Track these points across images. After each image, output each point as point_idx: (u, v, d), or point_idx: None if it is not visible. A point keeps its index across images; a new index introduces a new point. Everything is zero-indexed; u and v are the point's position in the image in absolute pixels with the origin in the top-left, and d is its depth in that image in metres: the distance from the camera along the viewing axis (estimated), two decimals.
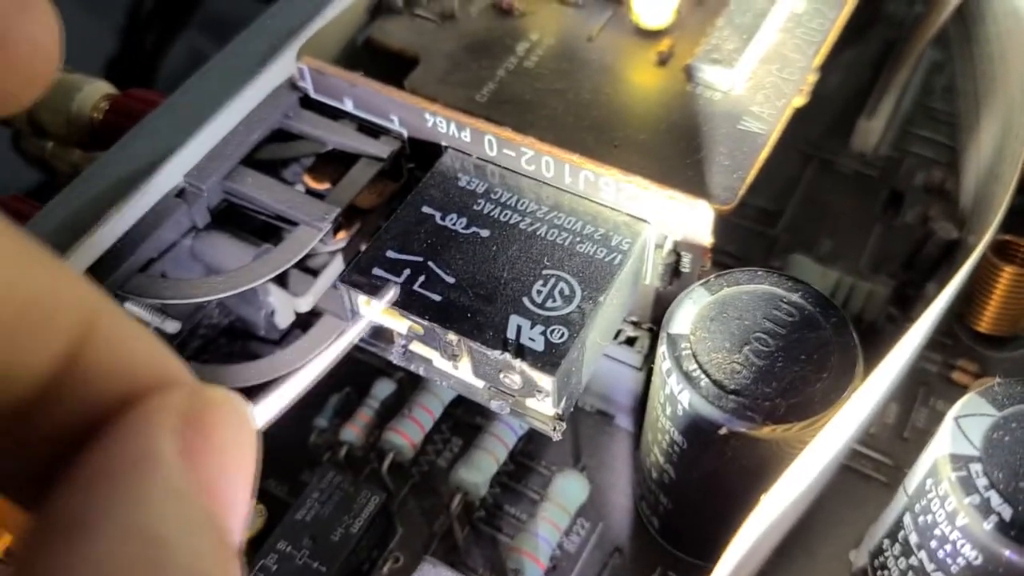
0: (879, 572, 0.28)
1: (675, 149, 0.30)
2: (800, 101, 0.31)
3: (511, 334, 0.26)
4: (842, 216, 0.38)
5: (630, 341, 0.31)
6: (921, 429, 0.33)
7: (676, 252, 0.28)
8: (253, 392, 0.30)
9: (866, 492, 0.32)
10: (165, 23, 0.61)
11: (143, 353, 0.14)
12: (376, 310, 0.28)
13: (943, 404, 0.33)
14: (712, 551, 0.31)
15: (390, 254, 0.28)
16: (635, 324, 0.31)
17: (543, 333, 0.26)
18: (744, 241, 0.37)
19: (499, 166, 0.30)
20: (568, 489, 0.29)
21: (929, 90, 0.42)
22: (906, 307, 0.35)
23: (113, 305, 0.14)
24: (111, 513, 0.12)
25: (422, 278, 0.27)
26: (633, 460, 0.32)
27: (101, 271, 0.28)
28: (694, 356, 0.25)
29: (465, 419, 0.33)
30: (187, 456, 0.13)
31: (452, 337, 0.26)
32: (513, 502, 0.32)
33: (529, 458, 0.33)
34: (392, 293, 0.26)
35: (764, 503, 0.23)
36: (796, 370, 0.25)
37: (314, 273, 0.31)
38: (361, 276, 0.27)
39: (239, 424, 0.15)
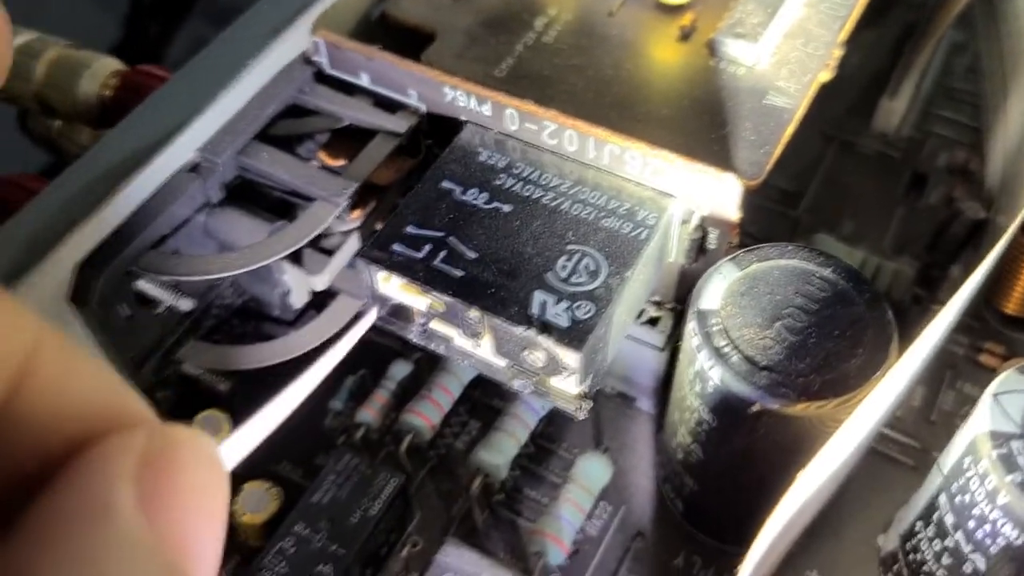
0: (911, 555, 0.27)
1: (699, 124, 0.29)
2: (826, 76, 0.31)
3: (535, 310, 0.25)
4: (864, 197, 0.37)
5: (652, 321, 0.31)
6: (948, 411, 0.32)
7: (702, 228, 0.28)
8: (267, 373, 0.30)
9: (893, 475, 0.31)
10: (169, 10, 0.60)
11: (95, 390, 0.13)
12: (395, 286, 0.27)
13: (970, 387, 0.33)
14: (738, 534, 0.30)
15: (410, 229, 0.27)
16: (658, 304, 0.31)
17: (568, 309, 0.25)
18: (766, 222, 0.37)
19: (520, 140, 0.29)
20: (592, 471, 0.29)
21: (950, 70, 0.42)
22: (931, 288, 0.34)
23: (59, 336, 0.13)
24: (60, 573, 0.11)
25: (443, 253, 0.26)
26: (655, 442, 0.32)
27: (112, 247, 0.27)
28: (725, 331, 0.25)
29: (484, 401, 0.33)
30: (147, 504, 0.12)
31: (474, 313, 0.26)
32: (533, 485, 0.31)
33: (549, 441, 0.32)
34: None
35: (800, 481, 0.22)
36: (830, 346, 0.24)
37: (329, 253, 0.31)
38: (380, 252, 0.26)
39: (205, 465, 0.13)
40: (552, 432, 0.32)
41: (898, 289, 0.34)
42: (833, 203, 0.37)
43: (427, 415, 0.30)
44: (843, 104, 0.40)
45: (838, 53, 0.31)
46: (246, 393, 0.32)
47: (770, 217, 0.37)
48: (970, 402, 0.32)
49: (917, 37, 0.39)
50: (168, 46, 0.60)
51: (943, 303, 0.34)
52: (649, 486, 0.31)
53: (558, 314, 0.25)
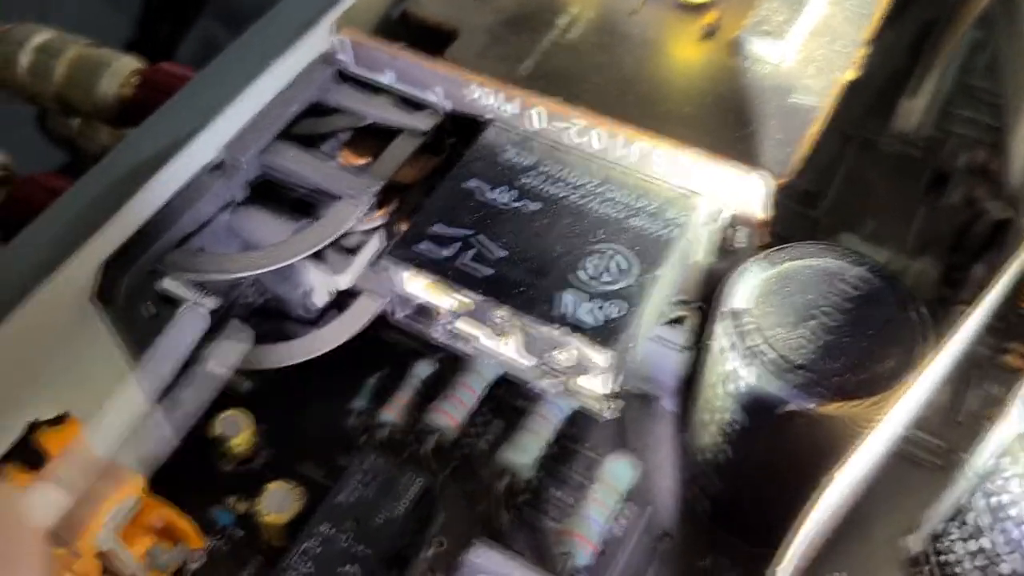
0: (941, 556, 0.27)
1: (724, 123, 0.29)
2: (852, 75, 0.30)
3: (565, 309, 0.25)
4: (884, 197, 0.37)
5: (676, 320, 0.30)
6: (974, 412, 0.32)
7: (730, 227, 0.28)
8: (289, 372, 0.30)
9: (919, 476, 0.31)
10: (180, 9, 0.60)
11: None
12: (421, 285, 0.27)
13: (996, 387, 0.33)
14: (766, 534, 0.30)
15: (436, 228, 0.27)
16: (682, 303, 0.30)
17: (599, 308, 0.25)
18: (787, 222, 0.36)
19: (545, 139, 0.29)
20: (619, 471, 0.28)
21: (969, 69, 0.42)
22: (955, 288, 0.34)
23: None
24: None
25: (471, 252, 0.26)
26: (679, 442, 0.32)
27: (138, 246, 0.27)
28: (758, 330, 0.25)
29: (507, 400, 0.33)
30: None
31: (503, 312, 0.25)
32: (558, 485, 0.31)
33: (573, 441, 0.32)
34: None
35: (836, 480, 0.22)
36: (863, 345, 0.24)
37: (351, 252, 0.30)
38: (407, 250, 0.26)
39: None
40: (575, 432, 0.32)
41: (923, 289, 0.33)
42: (853, 203, 0.37)
43: (453, 414, 0.30)
44: (862, 103, 0.40)
45: (863, 51, 0.31)
46: (268, 392, 0.32)
47: (790, 217, 0.37)
48: (995, 402, 0.32)
49: (936, 36, 0.39)
50: (179, 44, 0.60)
51: (967, 303, 0.34)
52: (674, 486, 0.31)
53: (588, 313, 0.25)
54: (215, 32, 0.61)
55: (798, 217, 0.37)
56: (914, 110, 0.38)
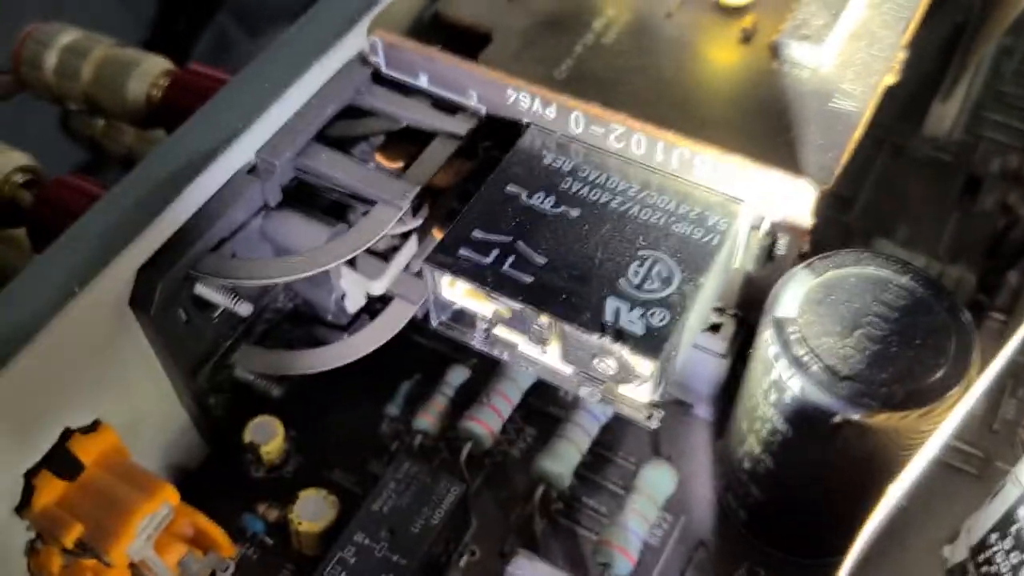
0: (983, 568, 0.27)
1: (764, 128, 0.29)
2: (891, 79, 0.30)
3: (609, 317, 0.25)
4: (917, 202, 0.37)
5: (714, 328, 0.30)
6: (1010, 420, 0.32)
7: (772, 234, 0.27)
8: (321, 379, 0.29)
9: (957, 485, 0.31)
10: (195, 7, 0.60)
11: None
12: (460, 292, 0.27)
13: None
14: (803, 544, 0.30)
15: (476, 234, 0.26)
16: (720, 310, 0.30)
17: (642, 316, 0.25)
18: (819, 227, 0.36)
19: (584, 144, 0.28)
20: (658, 480, 0.28)
21: (999, 74, 0.41)
22: (990, 295, 0.34)
23: None
24: None
25: (511, 258, 0.26)
26: (714, 450, 0.31)
27: (173, 251, 0.26)
28: (803, 340, 0.24)
29: (539, 408, 0.32)
30: None
31: (544, 320, 0.25)
32: (591, 494, 0.30)
33: (607, 449, 0.31)
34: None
35: (890, 493, 0.22)
36: (912, 355, 0.24)
37: (382, 257, 0.30)
38: (447, 256, 0.26)
39: None
40: (609, 440, 0.31)
41: (960, 296, 0.33)
42: (885, 208, 0.37)
43: (488, 423, 0.29)
44: (892, 107, 0.40)
45: (902, 56, 0.31)
46: (298, 399, 0.32)
47: (823, 222, 0.36)
48: None
49: (968, 40, 0.39)
50: (194, 43, 0.59)
51: (1002, 310, 0.34)
52: (709, 495, 0.30)
53: (633, 321, 0.24)
54: (230, 30, 0.60)
55: (830, 222, 0.37)
56: (946, 114, 0.38)
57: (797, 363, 0.24)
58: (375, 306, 0.31)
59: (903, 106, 0.40)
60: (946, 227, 0.36)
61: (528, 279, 0.25)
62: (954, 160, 0.38)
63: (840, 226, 0.37)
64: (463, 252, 0.26)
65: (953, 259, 0.34)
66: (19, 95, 0.37)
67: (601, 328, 0.24)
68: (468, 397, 0.31)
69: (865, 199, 0.37)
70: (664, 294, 0.25)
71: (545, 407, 0.32)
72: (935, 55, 0.40)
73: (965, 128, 0.39)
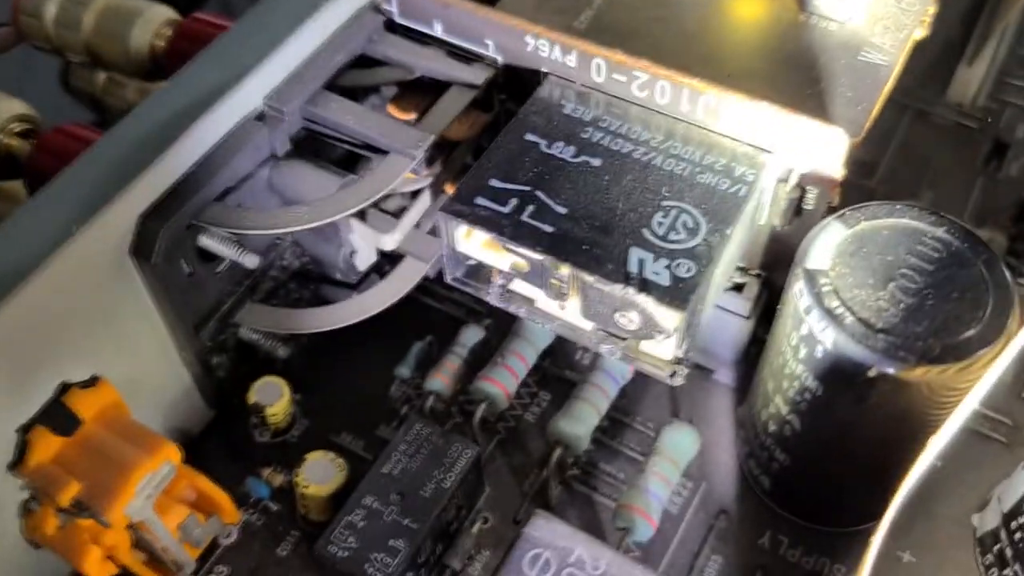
0: (1016, 534, 0.26)
1: (792, 80, 0.28)
2: (922, 33, 0.29)
3: (633, 267, 0.24)
4: (941, 168, 0.36)
5: (737, 288, 0.29)
6: None
7: (801, 187, 0.26)
8: (328, 339, 0.28)
9: (985, 453, 0.30)
10: None
11: None
12: (476, 244, 0.26)
13: None
14: (827, 513, 0.29)
15: (494, 183, 0.25)
16: (742, 270, 0.29)
17: (668, 267, 0.24)
18: (842, 192, 0.35)
19: (605, 93, 0.27)
20: (681, 442, 0.27)
21: (1022, 38, 0.40)
22: (1020, 259, 0.33)
23: None
24: None
25: (531, 208, 0.25)
26: (735, 416, 0.30)
27: (176, 198, 0.25)
28: (836, 292, 0.23)
29: (553, 371, 0.31)
30: None
31: (565, 271, 0.24)
32: (608, 459, 0.29)
33: (625, 414, 0.30)
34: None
35: (930, 446, 0.21)
36: (948, 308, 0.23)
37: (392, 214, 0.29)
38: (463, 205, 0.25)
39: None
40: (626, 405, 0.30)
41: None
42: (909, 173, 0.36)
43: (503, 383, 0.28)
44: (915, 72, 0.39)
45: (932, 9, 0.29)
46: (306, 360, 0.31)
47: (845, 187, 0.35)
48: None
49: (994, 3, 0.38)
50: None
51: None
52: (731, 462, 0.29)
53: (658, 272, 0.23)
54: None
55: (853, 188, 0.35)
56: (972, 79, 0.37)
57: (830, 316, 0.23)
58: (385, 268, 0.30)
59: (926, 71, 0.39)
60: (971, 193, 0.35)
61: (549, 229, 0.24)
62: (979, 126, 0.37)
63: (863, 191, 0.36)
64: (480, 201, 0.25)
65: (979, 225, 0.33)
66: (20, 49, 0.35)
67: (625, 278, 0.23)
68: (482, 359, 0.30)
69: (889, 164, 0.36)
70: (690, 244, 0.24)
71: (561, 371, 0.31)
72: (960, 19, 0.39)
73: (990, 94, 0.38)
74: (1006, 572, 0.26)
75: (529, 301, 0.26)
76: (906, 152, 0.37)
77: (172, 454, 0.25)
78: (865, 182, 0.36)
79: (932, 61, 0.39)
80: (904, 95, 0.38)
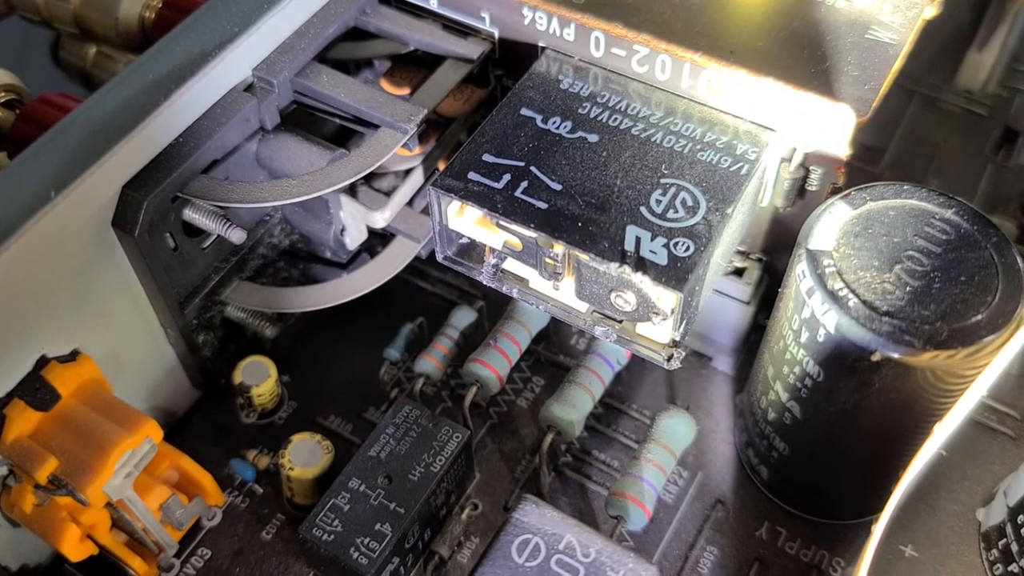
0: (1023, 530, 0.25)
1: (798, 58, 0.27)
2: (933, 12, 0.28)
3: (629, 246, 0.23)
4: (950, 154, 0.35)
5: (737, 272, 0.28)
6: None
7: (804, 167, 0.25)
8: (316, 319, 0.27)
9: (991, 446, 0.29)
10: None
11: None
12: (469, 220, 0.25)
13: None
14: (825, 504, 0.28)
15: (487, 157, 0.24)
16: (743, 254, 0.28)
17: (665, 246, 0.23)
18: (847, 178, 0.34)
19: (603, 68, 0.27)
20: (676, 428, 0.26)
21: None
22: None
23: None
24: None
25: (524, 184, 0.24)
26: (734, 405, 0.30)
27: (160, 168, 0.24)
28: (839, 274, 0.22)
29: (548, 356, 0.30)
30: None
31: (559, 249, 0.23)
32: (602, 447, 0.29)
33: (619, 400, 0.30)
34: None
35: (936, 433, 0.20)
36: (956, 292, 0.22)
37: (385, 194, 0.28)
38: (455, 180, 0.24)
39: None
40: (621, 391, 0.30)
41: None
42: (917, 160, 0.35)
43: (494, 366, 0.28)
44: (924, 58, 0.38)
45: None
46: (294, 341, 0.30)
47: (851, 174, 0.35)
48: None
49: None
50: None
51: None
52: (728, 451, 0.29)
53: (655, 251, 0.23)
54: None
55: (859, 173, 0.35)
56: (982, 65, 0.36)
57: (833, 298, 0.22)
58: (376, 248, 0.29)
59: (935, 57, 0.38)
60: (980, 181, 0.34)
61: (543, 205, 0.23)
62: (989, 113, 0.36)
63: (869, 178, 0.35)
64: (473, 176, 0.24)
65: (989, 212, 0.32)
66: (13, 22, 0.35)
67: (621, 257, 0.23)
68: (474, 343, 0.29)
69: (896, 150, 0.35)
70: (689, 223, 0.23)
71: (555, 356, 0.30)
72: (970, 4, 0.38)
73: (1000, 81, 0.37)
74: (1012, 568, 0.25)
75: (522, 281, 0.25)
76: (914, 139, 0.36)
77: (153, 432, 0.24)
78: (872, 168, 0.35)
79: (941, 47, 0.38)
80: (912, 81, 0.38)
